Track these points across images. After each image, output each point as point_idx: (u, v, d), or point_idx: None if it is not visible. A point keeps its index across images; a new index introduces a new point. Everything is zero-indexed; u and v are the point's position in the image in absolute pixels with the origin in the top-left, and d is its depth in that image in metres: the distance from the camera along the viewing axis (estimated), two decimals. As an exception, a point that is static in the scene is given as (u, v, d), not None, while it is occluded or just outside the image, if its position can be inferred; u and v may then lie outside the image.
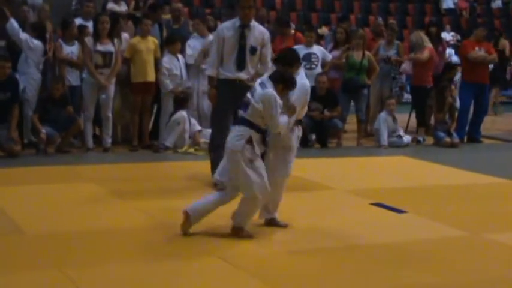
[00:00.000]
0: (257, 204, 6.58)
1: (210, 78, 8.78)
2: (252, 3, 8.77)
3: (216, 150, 8.67)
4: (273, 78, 6.56)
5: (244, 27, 8.57)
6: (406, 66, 13.33)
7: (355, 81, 12.41)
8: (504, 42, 15.60)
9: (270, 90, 6.40)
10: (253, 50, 8.59)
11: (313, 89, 11.93)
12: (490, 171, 10.09)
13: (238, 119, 6.62)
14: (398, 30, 14.69)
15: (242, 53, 8.55)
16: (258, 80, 6.73)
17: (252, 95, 6.48)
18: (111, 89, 11.00)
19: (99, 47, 10.83)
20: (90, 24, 11.61)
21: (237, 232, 6.56)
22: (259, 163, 6.47)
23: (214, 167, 8.75)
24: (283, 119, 6.50)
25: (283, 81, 6.55)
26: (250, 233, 6.59)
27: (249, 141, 6.38)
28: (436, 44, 13.71)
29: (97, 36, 10.87)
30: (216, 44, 8.65)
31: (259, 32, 8.69)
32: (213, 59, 8.69)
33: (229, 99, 8.44)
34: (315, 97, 11.91)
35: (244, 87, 8.48)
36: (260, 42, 8.64)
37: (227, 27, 8.65)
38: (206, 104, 11.60)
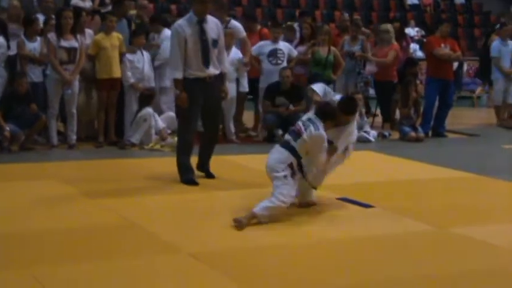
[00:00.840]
0: (280, 209, 6.98)
1: (177, 82, 8.57)
2: None
3: (184, 152, 8.70)
4: (322, 115, 7.05)
5: (201, 22, 8.51)
6: (370, 67, 13.32)
7: (320, 77, 12.41)
8: (494, 39, 15.74)
9: (322, 132, 6.95)
10: (215, 43, 8.58)
11: (278, 83, 11.98)
12: (454, 165, 10.16)
13: (285, 141, 7.10)
14: (364, 26, 14.70)
15: (206, 48, 8.50)
16: (306, 116, 7.21)
17: (305, 128, 6.93)
18: (76, 85, 10.90)
19: (63, 43, 10.71)
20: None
21: (250, 218, 6.84)
22: (294, 179, 7.01)
23: (181, 169, 8.75)
24: (323, 156, 7.06)
25: (332, 118, 7.13)
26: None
27: (290, 166, 6.96)
28: (400, 40, 13.80)
29: (60, 32, 10.76)
30: (177, 44, 8.47)
31: (214, 23, 8.67)
32: (176, 61, 8.49)
33: (199, 98, 8.48)
34: (280, 92, 11.94)
35: (211, 83, 8.56)
36: (217, 32, 8.64)
37: (185, 25, 8.51)
38: (165, 101, 11.67)
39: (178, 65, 8.47)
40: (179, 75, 8.49)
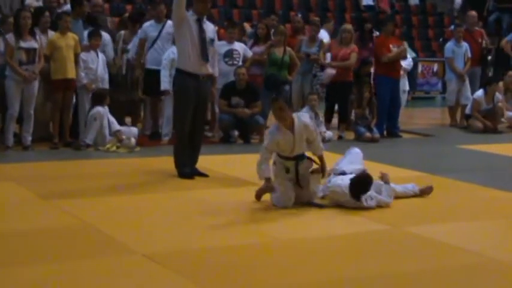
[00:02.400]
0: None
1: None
2: None
3: (180, 146, 9.02)
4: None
5: (200, 20, 8.82)
6: (330, 70, 13.24)
7: (276, 77, 12.48)
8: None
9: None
10: (212, 42, 8.99)
11: (233, 83, 11.99)
12: (409, 166, 10.28)
13: None
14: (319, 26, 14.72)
15: (204, 45, 8.80)
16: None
17: None
18: (35, 85, 10.82)
19: (22, 44, 10.63)
20: None
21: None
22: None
23: (177, 163, 9.03)
24: None
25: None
26: None
27: None
28: (368, 41, 13.88)
29: (19, 33, 10.67)
30: (182, 37, 8.80)
31: (210, 26, 9.09)
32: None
33: (192, 93, 8.75)
34: (236, 91, 11.96)
35: (204, 82, 8.93)
36: (213, 34, 9.11)
37: (190, 18, 8.77)
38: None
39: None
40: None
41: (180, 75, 8.90)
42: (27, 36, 10.71)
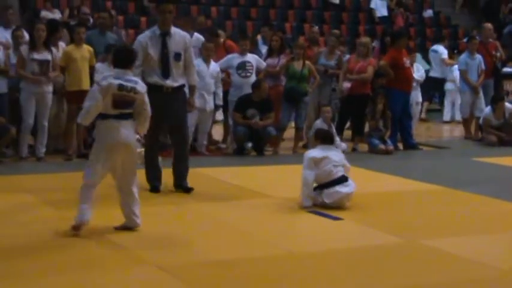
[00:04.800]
0: None
1: None
2: (172, 8, 8.79)
3: (149, 159, 8.81)
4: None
5: (165, 35, 8.58)
6: (345, 84, 13.17)
7: (296, 90, 12.49)
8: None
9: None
10: (177, 56, 8.62)
11: (249, 96, 12.01)
12: (423, 178, 10.25)
13: None
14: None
15: (166, 61, 8.56)
16: None
17: None
18: (49, 97, 10.88)
19: (36, 56, 10.70)
20: (8, 34, 11.74)
21: None
22: None
23: (148, 175, 8.87)
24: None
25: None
26: None
27: None
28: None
29: (33, 45, 10.74)
30: (138, 54, 8.32)
31: (180, 36, 8.72)
32: (136, 69, 8.35)
33: (157, 106, 8.25)
34: (251, 103, 11.98)
35: (170, 94, 8.59)
36: (182, 47, 8.67)
37: (148, 37, 8.62)
38: None
39: (134, 73, 8.45)
40: None
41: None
42: (41, 48, 10.78)
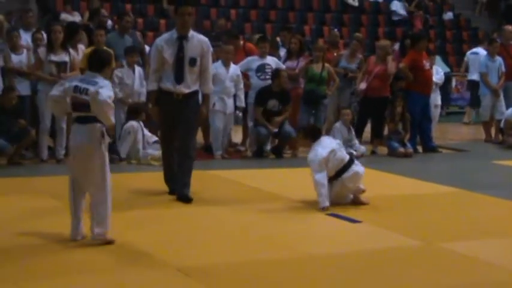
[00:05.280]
0: None
1: (149, 94, 8.62)
2: (191, 10, 8.59)
3: (165, 163, 8.85)
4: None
5: (182, 38, 8.41)
6: (361, 86, 13.17)
7: (315, 93, 12.49)
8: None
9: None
10: (192, 61, 8.40)
11: (269, 87, 12.02)
12: (442, 181, 10.22)
13: None
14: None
15: (180, 65, 8.37)
16: None
17: None
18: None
19: (53, 57, 10.76)
20: (28, 36, 11.85)
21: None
22: None
23: (166, 177, 8.88)
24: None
25: None
26: None
27: None
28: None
29: (51, 47, 10.80)
30: (153, 58, 8.53)
31: (197, 41, 8.49)
32: (151, 74, 8.56)
33: (169, 111, 8.43)
34: (272, 94, 12.00)
35: (180, 101, 8.44)
36: (199, 52, 8.44)
37: (165, 40, 8.50)
38: None
39: (151, 78, 8.56)
40: (151, 87, 8.59)
41: (159, 93, 8.55)
42: (59, 50, 10.84)
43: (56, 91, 6.79)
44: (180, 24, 8.47)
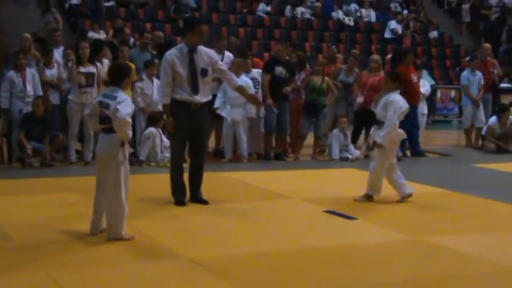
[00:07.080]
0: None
1: (164, 107, 8.33)
2: (207, 28, 8.60)
3: (175, 172, 8.35)
4: None
5: (192, 52, 8.20)
6: (359, 99, 13.09)
7: (315, 103, 12.50)
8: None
9: None
10: (203, 72, 8.21)
11: (274, 56, 12.08)
12: (429, 182, 10.19)
13: None
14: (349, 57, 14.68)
15: (194, 76, 8.17)
16: None
17: None
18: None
19: (82, 69, 10.87)
20: (59, 52, 11.98)
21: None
22: None
23: (173, 189, 8.34)
24: None
25: None
26: None
27: None
28: None
29: (78, 61, 10.87)
30: (165, 72, 8.18)
31: (205, 53, 8.29)
32: (164, 88, 8.25)
33: (185, 121, 8.14)
34: (278, 62, 12.25)
35: (198, 110, 8.20)
36: (209, 63, 8.25)
37: (176, 54, 8.21)
38: None
39: (165, 92, 8.22)
40: (165, 101, 8.22)
41: (173, 104, 8.17)
42: (86, 63, 10.95)
43: (88, 110, 6.88)
44: (198, 40, 8.24)
